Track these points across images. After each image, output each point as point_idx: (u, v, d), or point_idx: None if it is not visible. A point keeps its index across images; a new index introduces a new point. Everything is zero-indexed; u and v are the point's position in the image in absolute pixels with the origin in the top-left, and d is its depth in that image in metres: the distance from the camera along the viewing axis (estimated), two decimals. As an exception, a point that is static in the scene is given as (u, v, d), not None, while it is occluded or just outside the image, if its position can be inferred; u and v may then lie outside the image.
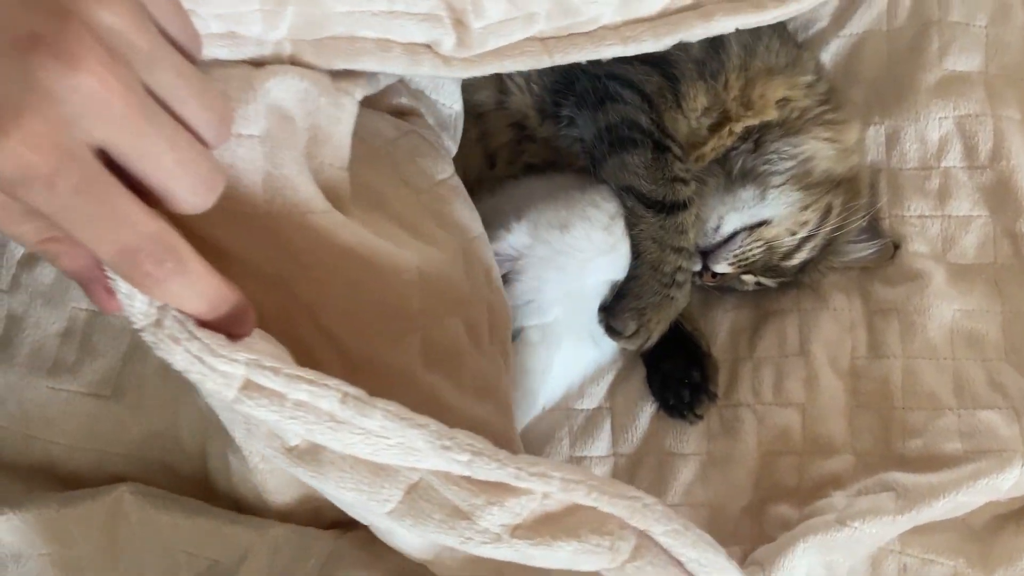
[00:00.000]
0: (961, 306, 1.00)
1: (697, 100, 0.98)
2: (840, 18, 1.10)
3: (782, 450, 1.00)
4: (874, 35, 1.09)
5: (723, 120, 1.00)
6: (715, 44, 0.97)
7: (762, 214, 0.99)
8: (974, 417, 0.96)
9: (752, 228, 0.99)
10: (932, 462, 0.94)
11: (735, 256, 0.99)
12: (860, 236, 1.02)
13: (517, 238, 0.92)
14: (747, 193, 0.99)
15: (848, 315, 1.03)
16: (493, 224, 0.94)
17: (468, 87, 1.02)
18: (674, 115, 0.97)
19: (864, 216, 1.02)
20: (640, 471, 1.03)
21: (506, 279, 0.90)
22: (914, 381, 0.99)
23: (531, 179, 1.03)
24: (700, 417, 1.02)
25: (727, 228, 0.99)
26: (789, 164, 1.00)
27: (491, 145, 1.05)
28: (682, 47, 0.95)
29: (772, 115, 1.00)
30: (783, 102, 1.01)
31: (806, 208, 0.99)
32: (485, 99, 1.03)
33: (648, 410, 1.04)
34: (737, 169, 1.00)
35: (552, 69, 0.98)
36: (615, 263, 0.95)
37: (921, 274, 1.01)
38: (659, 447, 1.03)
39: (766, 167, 1.00)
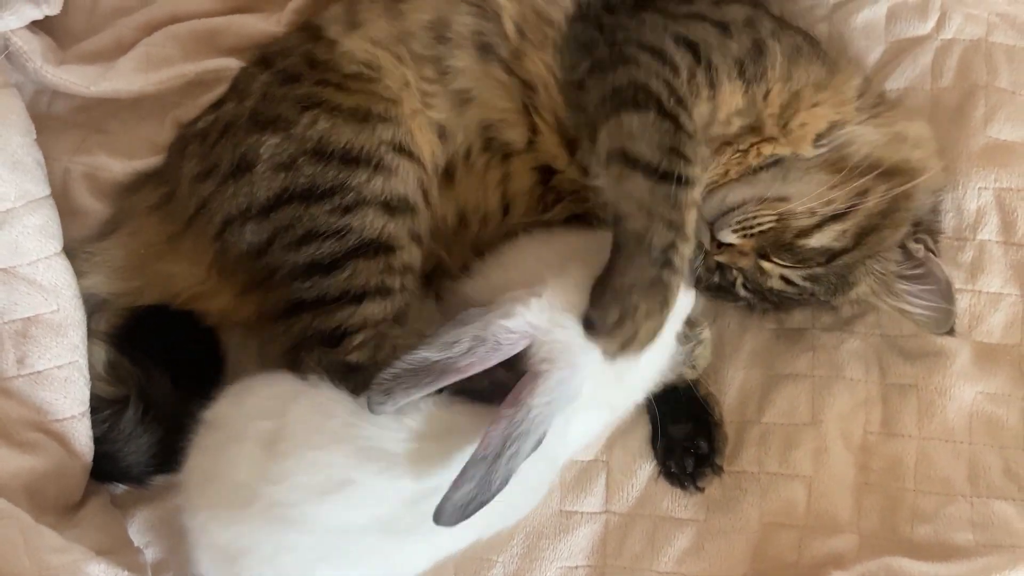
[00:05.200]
0: (984, 388, 0.96)
1: (733, 97, 0.89)
2: (882, 71, 1.05)
3: (784, 523, 0.96)
4: (916, 92, 1.04)
5: (754, 130, 0.92)
6: (758, 47, 0.90)
7: (777, 191, 0.90)
8: (988, 507, 0.93)
9: (763, 200, 0.90)
10: (941, 551, 0.91)
11: (738, 223, 0.89)
12: (923, 286, 0.92)
13: (535, 317, 0.81)
14: (767, 174, 0.92)
15: (864, 387, 0.98)
16: (502, 284, 0.86)
17: (498, 125, 0.95)
18: (703, 96, 0.88)
19: (924, 206, 0.91)
20: (632, 533, 0.98)
21: (523, 361, 0.80)
22: (928, 464, 0.95)
23: (551, 237, 0.95)
24: (701, 489, 0.97)
25: (733, 198, 0.91)
26: (820, 152, 0.92)
27: (510, 190, 0.98)
28: (722, 41, 0.89)
29: (807, 151, 0.92)
30: (828, 130, 0.92)
31: (832, 188, 0.89)
32: (516, 138, 0.95)
33: (647, 468, 0.99)
34: (767, 163, 0.93)
35: (573, 35, 0.92)
36: None
37: (945, 351, 0.97)
38: (655, 509, 0.98)
39: (795, 157, 0.92)
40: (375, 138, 0.90)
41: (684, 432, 0.95)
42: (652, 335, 0.81)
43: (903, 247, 0.93)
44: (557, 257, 0.88)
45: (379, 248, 0.89)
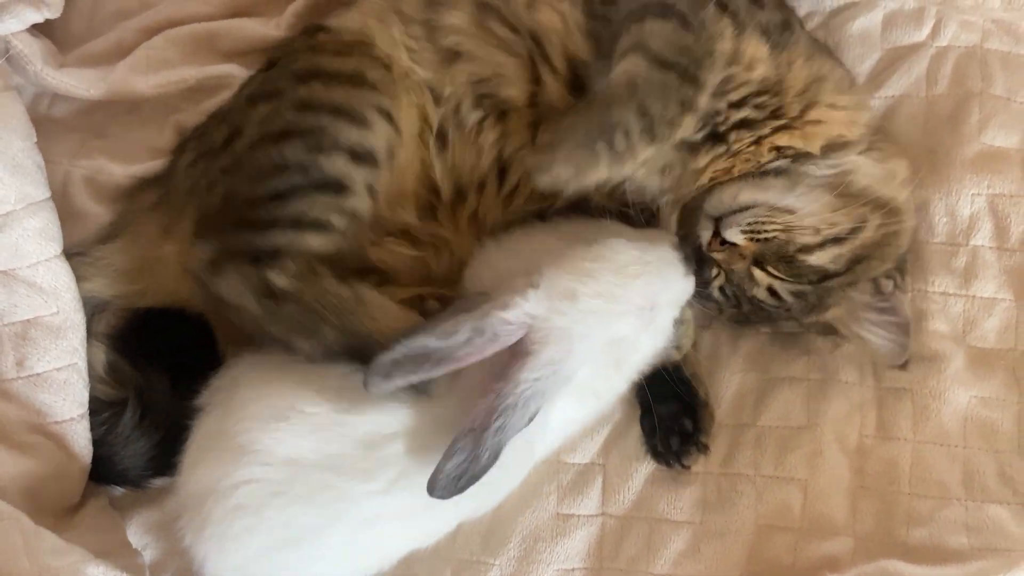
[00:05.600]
0: (978, 392, 0.97)
1: (758, 49, 0.90)
2: (877, 78, 1.06)
3: (779, 526, 0.96)
4: (911, 100, 1.05)
5: (776, 93, 0.91)
6: (787, 23, 0.93)
7: (787, 202, 0.91)
8: (982, 511, 0.93)
9: (773, 208, 0.91)
10: (936, 554, 0.92)
11: (749, 224, 0.90)
12: (887, 319, 0.94)
13: (533, 307, 0.83)
14: (777, 182, 0.92)
15: (859, 390, 0.99)
16: (501, 272, 0.88)
17: (493, 81, 0.94)
18: (727, 35, 0.88)
19: (904, 245, 0.95)
20: (629, 535, 0.98)
21: (522, 348, 0.82)
22: (923, 467, 0.96)
23: (549, 226, 0.96)
24: (687, 467, 0.98)
25: (745, 198, 0.91)
26: (827, 172, 0.93)
27: (507, 149, 0.96)
28: (750, 7, 0.91)
29: (815, 150, 0.93)
30: (838, 144, 0.94)
31: (836, 211, 0.91)
32: (516, 94, 0.94)
33: (643, 471, 1.00)
34: (773, 166, 0.93)
35: None
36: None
37: (939, 355, 0.97)
38: (651, 511, 0.98)
39: (803, 169, 0.93)
40: (364, 100, 0.91)
41: (670, 411, 0.96)
42: (564, 176, 0.83)
43: (874, 280, 0.95)
44: (555, 245, 0.89)
45: (336, 187, 0.89)
